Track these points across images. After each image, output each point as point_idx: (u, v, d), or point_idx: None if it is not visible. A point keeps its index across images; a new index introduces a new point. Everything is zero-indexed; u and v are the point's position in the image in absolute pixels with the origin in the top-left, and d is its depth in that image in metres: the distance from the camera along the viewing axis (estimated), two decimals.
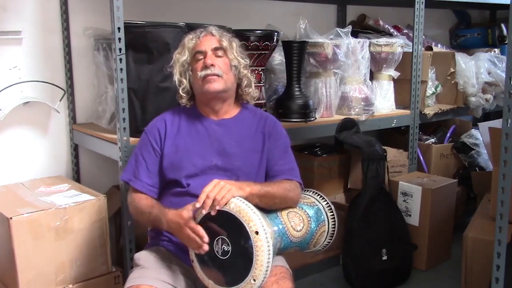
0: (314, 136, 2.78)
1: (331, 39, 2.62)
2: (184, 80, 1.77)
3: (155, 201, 1.74)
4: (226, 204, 1.50)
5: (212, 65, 1.71)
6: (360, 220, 2.55)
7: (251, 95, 1.84)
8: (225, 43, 1.76)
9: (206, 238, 1.51)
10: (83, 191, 2.10)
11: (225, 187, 1.52)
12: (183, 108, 1.83)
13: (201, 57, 1.74)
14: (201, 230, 1.51)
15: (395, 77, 2.91)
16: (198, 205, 1.51)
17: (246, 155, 1.77)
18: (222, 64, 1.74)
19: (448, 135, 3.38)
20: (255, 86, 1.88)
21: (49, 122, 2.39)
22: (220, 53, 1.75)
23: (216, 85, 1.72)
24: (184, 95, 1.79)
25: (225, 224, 1.50)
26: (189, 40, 1.77)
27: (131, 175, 1.77)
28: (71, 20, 2.35)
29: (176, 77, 1.77)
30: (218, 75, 1.72)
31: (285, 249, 1.72)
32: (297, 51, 2.48)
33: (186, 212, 1.54)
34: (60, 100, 2.37)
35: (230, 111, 1.82)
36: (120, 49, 1.95)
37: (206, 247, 1.51)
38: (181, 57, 1.76)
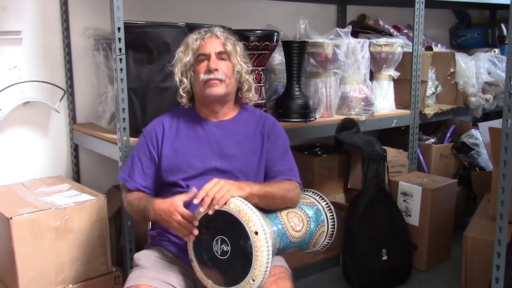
0: (314, 136, 2.78)
1: (331, 39, 2.62)
2: (185, 80, 1.76)
3: (145, 194, 1.74)
4: (225, 203, 1.49)
5: (215, 69, 1.71)
6: (360, 220, 2.55)
7: (250, 98, 1.84)
8: (229, 47, 1.74)
9: (196, 222, 1.51)
10: (83, 191, 2.10)
11: (224, 186, 1.51)
12: (182, 110, 1.83)
13: (204, 59, 1.73)
14: (191, 214, 1.51)
15: (395, 77, 2.91)
16: (196, 201, 1.51)
17: (245, 157, 1.77)
18: (225, 68, 1.73)
19: (448, 135, 3.38)
20: (255, 86, 1.88)
21: (49, 122, 2.39)
22: (224, 56, 1.74)
23: (217, 90, 1.71)
24: (184, 94, 1.78)
25: (224, 224, 1.50)
26: (193, 41, 1.75)
27: (126, 174, 1.78)
28: (71, 20, 2.36)
29: (177, 77, 1.77)
30: (220, 80, 1.71)
31: (285, 249, 1.72)
32: (297, 51, 2.48)
33: (177, 199, 1.55)
34: (60, 100, 2.37)
35: (229, 113, 1.82)
36: (120, 49, 1.95)
37: (196, 232, 1.51)
38: (184, 57, 1.75)
